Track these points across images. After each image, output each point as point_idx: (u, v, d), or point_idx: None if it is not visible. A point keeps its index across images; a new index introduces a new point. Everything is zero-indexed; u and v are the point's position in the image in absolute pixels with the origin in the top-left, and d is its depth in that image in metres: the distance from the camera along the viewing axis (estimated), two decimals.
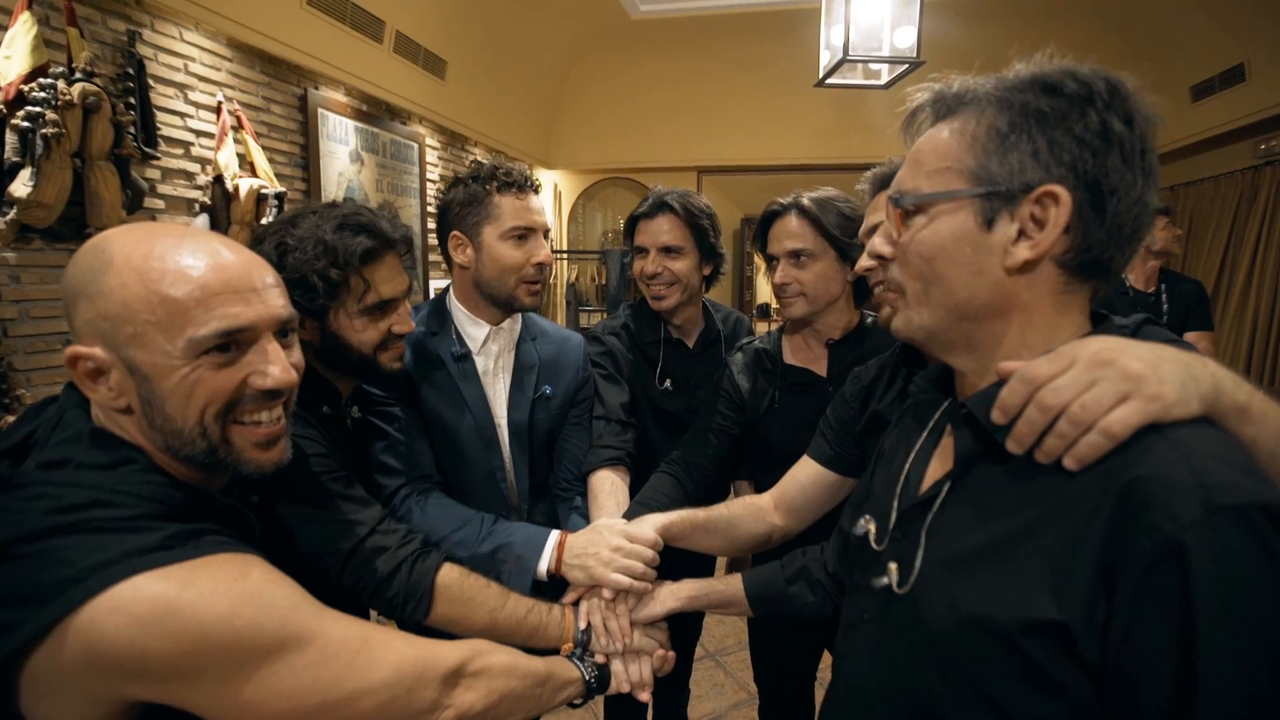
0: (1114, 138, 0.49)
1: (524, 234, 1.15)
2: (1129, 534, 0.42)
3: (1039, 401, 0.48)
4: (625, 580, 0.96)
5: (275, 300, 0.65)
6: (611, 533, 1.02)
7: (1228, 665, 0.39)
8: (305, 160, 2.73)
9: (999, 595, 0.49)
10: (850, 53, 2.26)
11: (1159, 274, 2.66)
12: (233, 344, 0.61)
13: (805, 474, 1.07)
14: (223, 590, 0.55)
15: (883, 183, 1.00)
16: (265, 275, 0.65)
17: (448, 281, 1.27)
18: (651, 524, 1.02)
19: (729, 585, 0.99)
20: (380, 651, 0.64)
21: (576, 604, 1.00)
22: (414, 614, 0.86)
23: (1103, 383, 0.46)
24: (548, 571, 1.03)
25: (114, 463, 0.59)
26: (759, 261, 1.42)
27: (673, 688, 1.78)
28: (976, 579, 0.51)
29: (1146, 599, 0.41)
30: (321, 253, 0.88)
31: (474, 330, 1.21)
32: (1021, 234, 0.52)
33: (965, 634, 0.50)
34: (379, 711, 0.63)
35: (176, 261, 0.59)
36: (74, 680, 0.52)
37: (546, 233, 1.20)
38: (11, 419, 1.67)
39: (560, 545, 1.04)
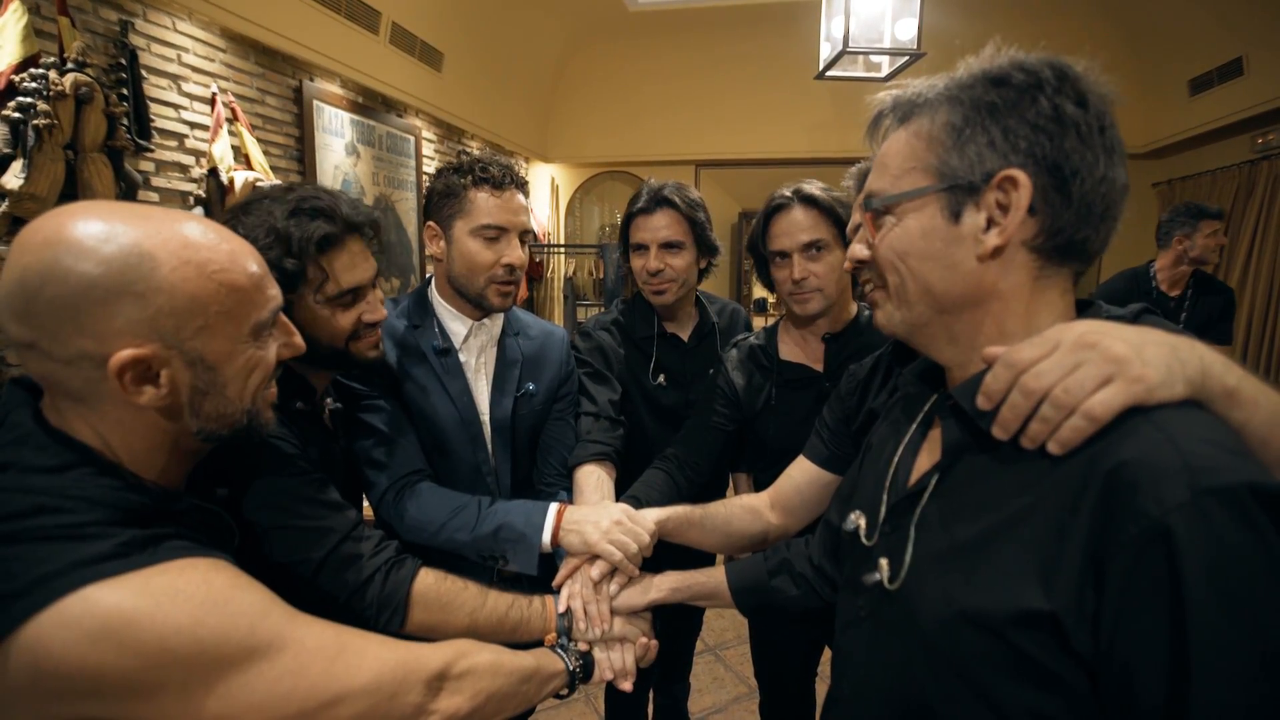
0: (1067, 120, 0.50)
1: (496, 233, 1.10)
2: (1115, 520, 0.42)
3: (1022, 386, 0.48)
4: (617, 553, 0.97)
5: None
6: (614, 508, 1.03)
7: (1221, 650, 0.38)
8: (300, 153, 2.71)
9: (987, 588, 0.48)
10: (851, 44, 2.25)
11: (1191, 279, 2.58)
12: (272, 322, 0.65)
13: (801, 473, 1.07)
14: (184, 598, 0.52)
15: (866, 179, 1.00)
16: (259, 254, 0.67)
17: None
18: (649, 516, 1.03)
19: (711, 577, 0.99)
20: (358, 657, 0.61)
21: (557, 593, 0.99)
22: (389, 625, 0.83)
23: (1086, 365, 0.46)
24: (549, 541, 1.03)
25: (64, 465, 0.54)
26: None
27: (674, 681, 1.79)
28: (965, 572, 0.51)
29: (1136, 586, 0.41)
30: (274, 241, 0.81)
31: (456, 325, 1.18)
32: (990, 222, 0.52)
33: (956, 629, 0.50)
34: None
35: (223, 250, 0.59)
36: (19, 702, 0.48)
37: (525, 234, 1.14)
38: None
39: (559, 514, 1.05)
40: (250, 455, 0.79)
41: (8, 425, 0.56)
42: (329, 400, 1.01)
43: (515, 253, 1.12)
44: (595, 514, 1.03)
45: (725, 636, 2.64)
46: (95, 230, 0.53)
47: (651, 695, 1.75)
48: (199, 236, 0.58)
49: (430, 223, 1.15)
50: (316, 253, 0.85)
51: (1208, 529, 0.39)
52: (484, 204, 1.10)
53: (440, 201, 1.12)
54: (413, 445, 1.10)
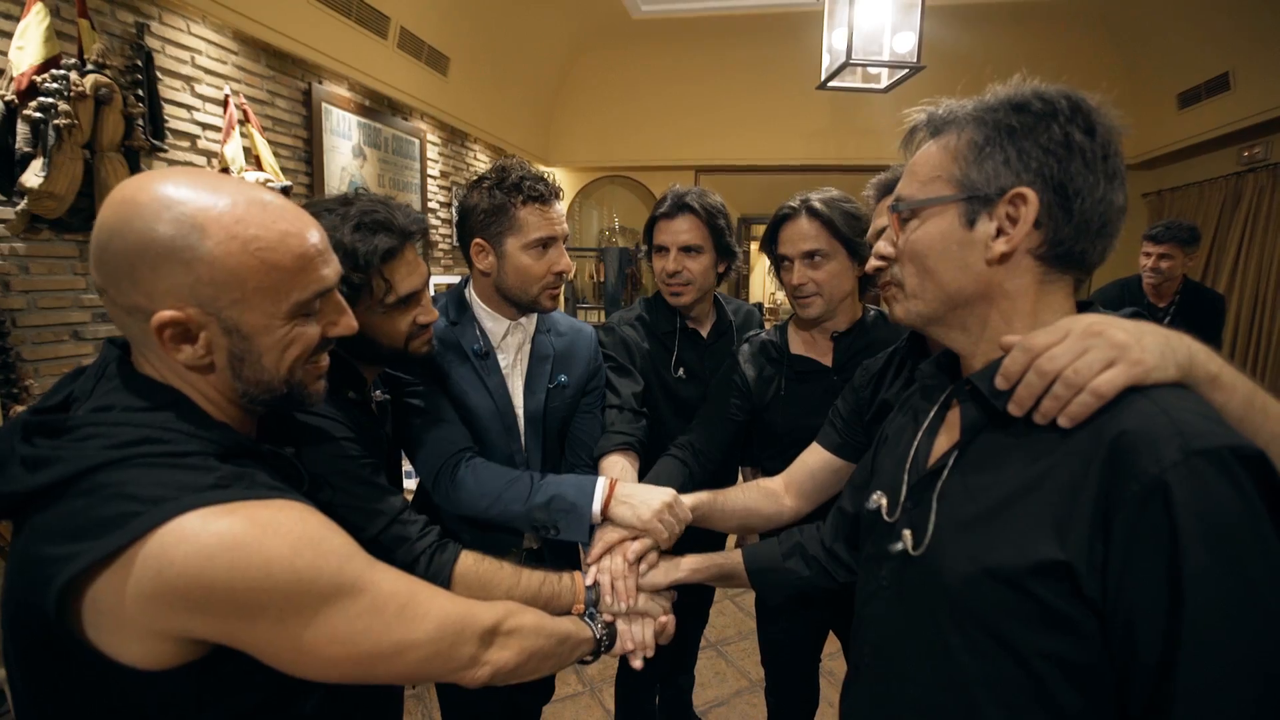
0: (1075, 147, 0.57)
1: (546, 243, 1.18)
2: (1120, 479, 0.48)
3: (1037, 368, 0.55)
4: (665, 533, 1.04)
5: (335, 258, 0.70)
6: (666, 490, 1.10)
7: (1210, 583, 0.45)
8: (309, 154, 2.74)
9: (1007, 544, 0.54)
10: (852, 57, 2.31)
11: (1179, 290, 2.65)
12: (318, 301, 0.66)
13: (814, 459, 1.13)
14: (285, 531, 0.56)
15: (885, 189, 1.06)
16: (322, 234, 0.68)
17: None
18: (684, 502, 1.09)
19: (729, 559, 1.06)
20: (426, 606, 0.66)
21: (583, 569, 1.05)
22: None
23: (1093, 350, 0.53)
24: (600, 513, 1.08)
25: (159, 405, 0.60)
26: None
27: (680, 672, 1.83)
28: (986, 533, 0.56)
29: (1138, 535, 0.47)
30: (342, 257, 0.83)
31: (494, 325, 1.26)
32: (1000, 231, 0.59)
33: (978, 584, 0.55)
34: (423, 664, 0.66)
35: (275, 229, 0.61)
36: (136, 611, 0.51)
37: (565, 238, 1.22)
38: (20, 409, 1.67)
39: (611, 486, 1.10)
40: (309, 428, 0.83)
41: (108, 375, 0.62)
42: (378, 392, 1.07)
43: (563, 259, 1.20)
44: (647, 493, 1.09)
45: (727, 633, 2.68)
46: (165, 196, 0.57)
47: (659, 688, 1.79)
48: (256, 214, 0.60)
49: (478, 240, 1.19)
50: (380, 264, 0.91)
51: (1198, 483, 0.46)
52: (534, 220, 1.16)
53: (487, 219, 1.17)
54: (460, 427, 1.16)
